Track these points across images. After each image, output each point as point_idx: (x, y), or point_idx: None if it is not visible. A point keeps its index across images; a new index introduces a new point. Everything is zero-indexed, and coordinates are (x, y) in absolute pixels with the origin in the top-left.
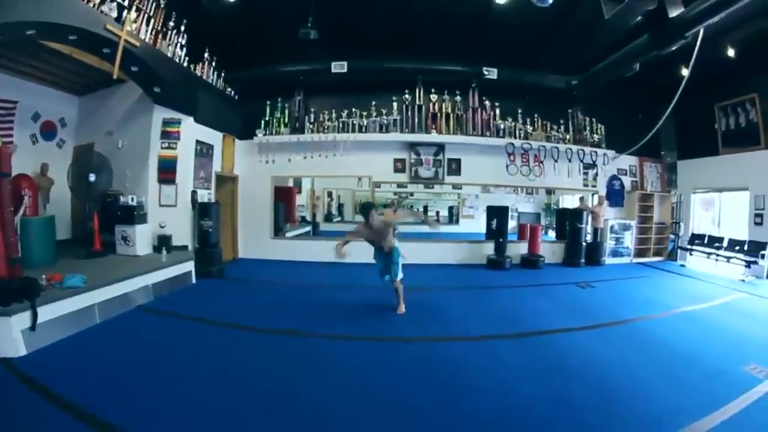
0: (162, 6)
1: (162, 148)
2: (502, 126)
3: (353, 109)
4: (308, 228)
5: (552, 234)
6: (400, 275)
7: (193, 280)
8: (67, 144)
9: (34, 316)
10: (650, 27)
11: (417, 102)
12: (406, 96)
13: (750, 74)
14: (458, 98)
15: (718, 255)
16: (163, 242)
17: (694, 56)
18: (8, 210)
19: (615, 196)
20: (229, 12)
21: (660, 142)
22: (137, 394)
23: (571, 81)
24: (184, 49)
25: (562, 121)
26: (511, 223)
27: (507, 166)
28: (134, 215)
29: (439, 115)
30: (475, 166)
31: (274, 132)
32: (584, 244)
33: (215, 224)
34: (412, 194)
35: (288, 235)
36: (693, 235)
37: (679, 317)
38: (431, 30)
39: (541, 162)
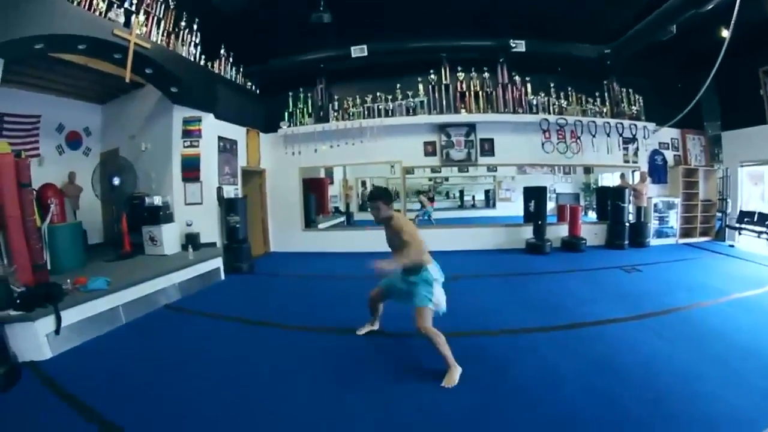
0: (172, 7)
1: (184, 147)
2: (534, 102)
3: (378, 94)
4: (342, 218)
5: (592, 215)
6: (428, 314)
7: (222, 277)
8: (93, 151)
9: (58, 319)
10: None
11: (444, 81)
12: (432, 76)
13: None
14: (486, 75)
15: None
16: (190, 240)
17: (735, 14)
18: (30, 218)
19: (658, 171)
20: (240, 7)
21: (702, 113)
22: (156, 396)
23: (604, 50)
24: (198, 47)
25: (597, 94)
26: (550, 205)
27: (542, 144)
28: (160, 215)
29: (467, 93)
30: (509, 146)
31: (298, 123)
32: (627, 224)
33: (243, 219)
34: (447, 179)
35: (321, 226)
36: (741, 212)
37: (734, 304)
38: (452, 4)
39: (578, 138)
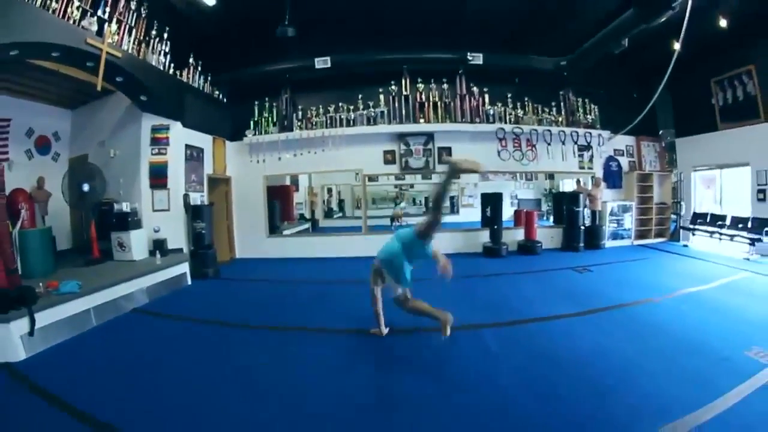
0: (143, 16)
1: (152, 154)
2: (491, 111)
3: (340, 104)
4: (307, 225)
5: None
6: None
7: (189, 282)
8: (62, 157)
9: (32, 321)
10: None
11: (404, 92)
12: (393, 87)
13: (745, 46)
14: (445, 86)
15: (721, 234)
16: (157, 246)
17: (684, 29)
18: (3, 223)
19: (612, 177)
20: (209, 17)
21: (657, 121)
22: (131, 392)
23: (560, 62)
24: (168, 56)
25: (553, 104)
26: (511, 210)
27: (499, 152)
28: (128, 221)
29: (426, 104)
30: (466, 154)
31: (263, 132)
32: (582, 227)
33: (208, 226)
34: (412, 186)
35: (286, 233)
36: (695, 214)
37: (680, 300)
38: (412, 19)
39: (534, 146)
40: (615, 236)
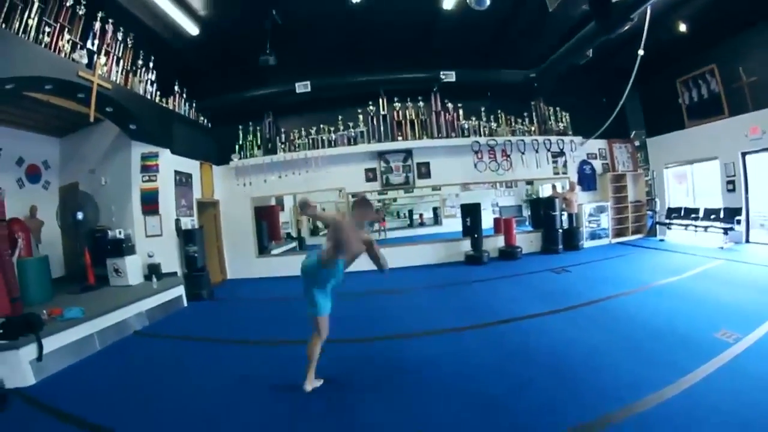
0: (130, 46)
1: (143, 181)
2: (466, 126)
3: (321, 126)
4: (294, 244)
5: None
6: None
7: (185, 304)
8: (52, 185)
9: (40, 347)
10: (596, 13)
11: (381, 112)
12: (371, 107)
13: (706, 46)
14: (421, 104)
15: (696, 226)
16: (152, 270)
17: (644, 36)
18: (6, 252)
19: (587, 180)
20: (192, 45)
21: (628, 123)
22: (140, 407)
23: (529, 74)
24: (155, 84)
25: (525, 114)
26: (493, 217)
27: (475, 164)
28: (123, 247)
29: (403, 122)
30: (444, 168)
31: (248, 155)
32: (560, 230)
33: (200, 249)
34: (395, 200)
35: (274, 252)
36: (669, 209)
37: (653, 291)
38: (386, 42)
39: (508, 156)
40: (593, 236)
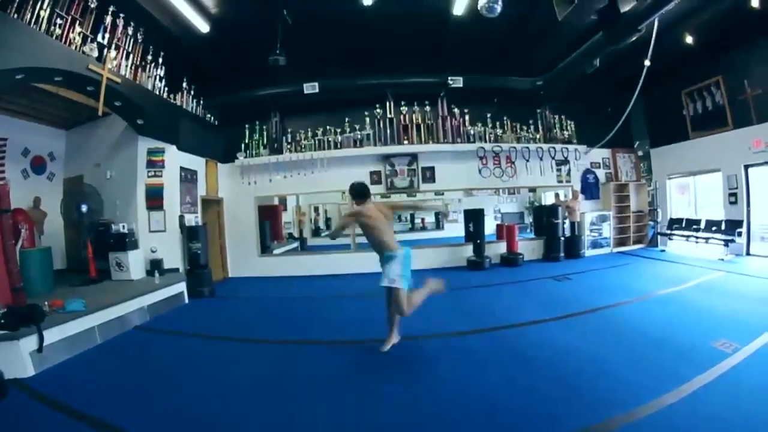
0: (140, 41)
1: (148, 176)
2: (472, 131)
3: (328, 127)
4: (296, 244)
5: None
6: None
7: (186, 300)
8: (57, 177)
9: (41, 339)
10: (604, 23)
11: (388, 115)
12: (378, 110)
13: (712, 58)
14: (428, 108)
15: (697, 237)
16: (155, 266)
17: (651, 47)
18: (10, 243)
19: (590, 189)
20: (203, 43)
21: (632, 133)
22: (141, 400)
23: (536, 82)
24: (163, 80)
25: (531, 121)
26: (496, 223)
27: (479, 170)
28: (126, 242)
29: (410, 126)
30: (449, 173)
31: (254, 154)
32: (562, 238)
33: (203, 246)
34: None
35: (276, 252)
36: (671, 220)
37: (654, 301)
38: (396, 45)
39: (513, 163)
40: (595, 245)
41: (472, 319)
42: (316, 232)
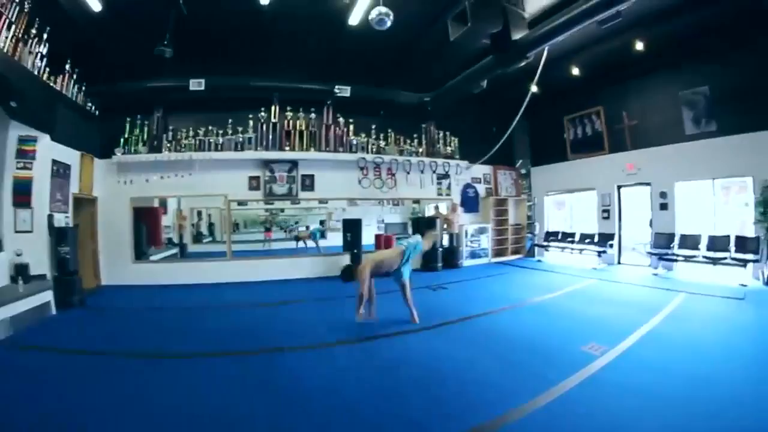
0: (25, 11)
1: (17, 168)
2: (355, 141)
3: (210, 127)
4: (175, 250)
5: None
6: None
7: (53, 311)
8: None
9: None
10: (495, 47)
11: (272, 119)
12: (262, 114)
13: (595, 90)
14: (313, 115)
15: (572, 248)
16: (20, 271)
17: (537, 74)
18: None
19: (470, 202)
20: (92, 22)
21: (514, 152)
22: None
23: (424, 98)
24: (44, 59)
25: (416, 135)
26: (377, 232)
27: (360, 180)
28: None
29: (293, 132)
30: (329, 181)
31: (132, 151)
32: (441, 249)
33: (73, 250)
34: (283, 210)
35: (154, 258)
36: (547, 232)
37: (528, 309)
38: (288, 49)
39: (393, 175)
40: (473, 255)
41: (340, 331)
42: (197, 238)
